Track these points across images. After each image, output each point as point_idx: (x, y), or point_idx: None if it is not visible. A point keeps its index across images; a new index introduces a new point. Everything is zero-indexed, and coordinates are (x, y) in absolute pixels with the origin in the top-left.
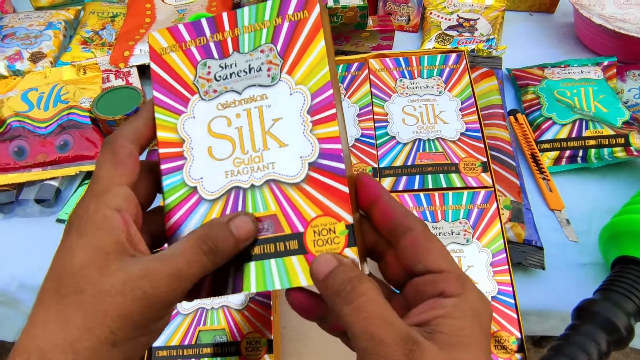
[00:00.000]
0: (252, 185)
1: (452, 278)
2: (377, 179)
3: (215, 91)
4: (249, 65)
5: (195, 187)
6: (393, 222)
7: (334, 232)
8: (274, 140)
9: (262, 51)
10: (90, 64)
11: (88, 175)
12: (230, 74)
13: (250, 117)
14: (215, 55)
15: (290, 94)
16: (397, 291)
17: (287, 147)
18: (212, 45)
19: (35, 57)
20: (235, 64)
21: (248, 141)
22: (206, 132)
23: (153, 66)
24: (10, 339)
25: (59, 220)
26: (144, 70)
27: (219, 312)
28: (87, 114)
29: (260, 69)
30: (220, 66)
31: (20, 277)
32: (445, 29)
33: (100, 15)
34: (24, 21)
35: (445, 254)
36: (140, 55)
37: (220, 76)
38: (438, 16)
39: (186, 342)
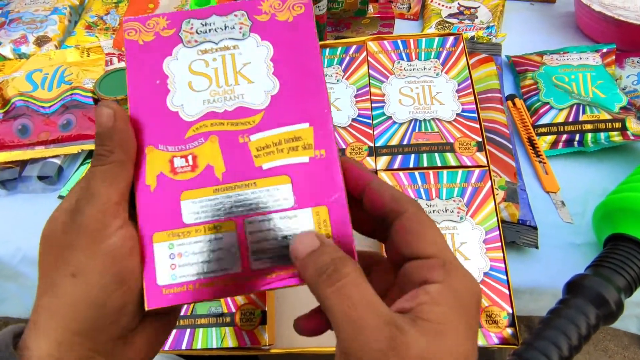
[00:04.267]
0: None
1: (436, 264)
2: (373, 157)
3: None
4: (225, 24)
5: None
6: (384, 209)
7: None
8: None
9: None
10: (94, 47)
11: (90, 154)
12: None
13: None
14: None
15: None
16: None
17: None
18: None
19: (41, 41)
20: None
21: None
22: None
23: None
24: (15, 315)
25: (61, 197)
26: None
27: None
28: (90, 94)
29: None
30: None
31: (24, 250)
32: (445, 17)
33: (104, 1)
34: (30, 6)
35: (435, 238)
36: None
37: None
38: (439, 4)
39: (182, 313)
